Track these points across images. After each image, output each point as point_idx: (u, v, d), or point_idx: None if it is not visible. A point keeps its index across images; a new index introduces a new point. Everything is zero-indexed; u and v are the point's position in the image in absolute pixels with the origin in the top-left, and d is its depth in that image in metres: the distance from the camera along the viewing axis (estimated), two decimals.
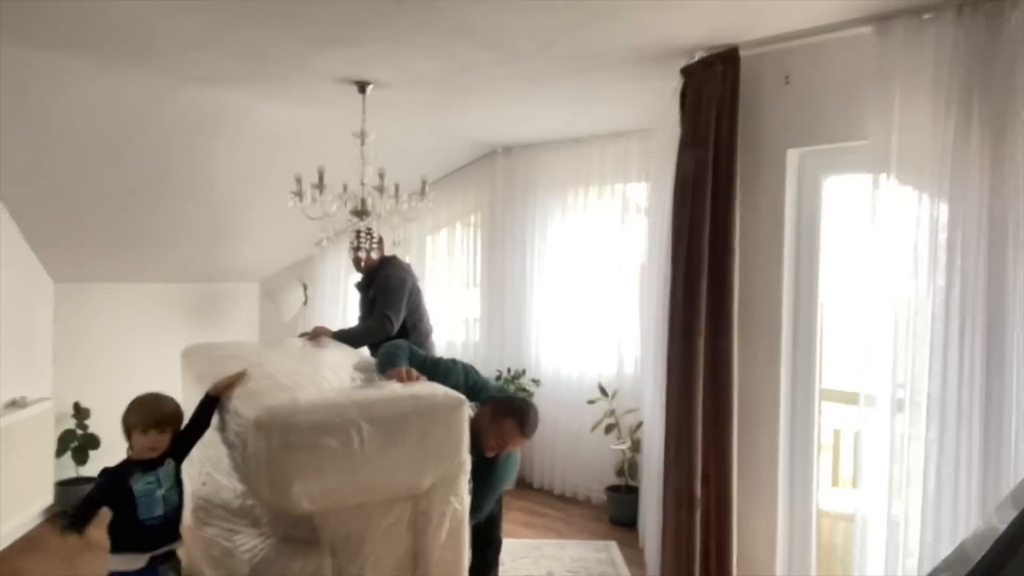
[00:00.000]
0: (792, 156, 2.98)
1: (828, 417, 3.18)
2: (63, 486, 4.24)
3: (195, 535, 2.60)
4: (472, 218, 5.73)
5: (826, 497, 3.21)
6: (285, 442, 2.12)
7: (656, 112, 3.96)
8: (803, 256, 3.01)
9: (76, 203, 4.04)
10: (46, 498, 4.17)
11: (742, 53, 2.93)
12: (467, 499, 2.44)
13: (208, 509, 2.53)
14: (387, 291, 3.95)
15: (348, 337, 3.75)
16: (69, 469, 4.33)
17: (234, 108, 3.92)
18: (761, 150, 3.00)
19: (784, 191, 2.96)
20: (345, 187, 3.67)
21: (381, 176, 3.64)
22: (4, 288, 3.97)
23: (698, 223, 2.96)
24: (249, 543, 2.24)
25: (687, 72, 3.08)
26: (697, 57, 3.04)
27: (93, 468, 3.99)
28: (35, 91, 3.30)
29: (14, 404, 4.02)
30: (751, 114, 2.97)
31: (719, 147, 2.93)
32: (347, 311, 5.82)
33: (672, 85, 3.32)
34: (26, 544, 3.92)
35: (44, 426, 4.16)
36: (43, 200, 3.94)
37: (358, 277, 4.21)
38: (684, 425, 2.97)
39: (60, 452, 4.30)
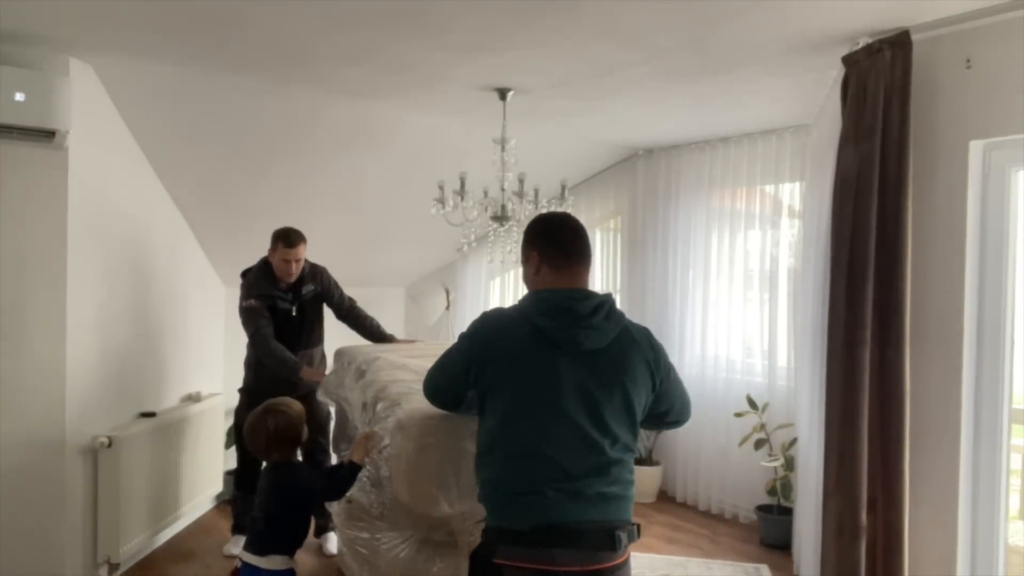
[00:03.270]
0: (975, 148, 2.66)
1: (1018, 440, 2.81)
2: (231, 476, 4.59)
3: (342, 531, 2.70)
4: (612, 223, 5.64)
5: (1016, 531, 2.84)
6: (424, 444, 2.15)
7: (813, 106, 3.71)
8: (989, 258, 2.67)
9: (243, 212, 4.39)
10: (216, 486, 4.53)
11: (914, 37, 2.65)
12: None
13: (353, 508, 2.62)
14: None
15: None
16: (236, 461, 4.68)
17: (383, 119, 4.08)
18: (938, 143, 2.70)
19: (966, 187, 2.65)
20: (486, 193, 3.71)
21: (521, 181, 3.65)
22: (185, 292, 4.38)
23: (862, 224, 2.71)
24: (392, 543, 2.29)
25: (850, 60, 2.84)
26: (861, 44, 2.79)
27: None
28: (208, 109, 3.61)
29: (190, 398, 4.41)
30: (926, 104, 2.69)
31: (888, 141, 2.67)
32: None
33: (831, 76, 3.08)
34: (198, 527, 4.28)
35: (215, 419, 4.52)
36: (215, 210, 4.31)
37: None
38: (847, 445, 2.72)
39: (229, 444, 4.66)
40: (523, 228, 3.70)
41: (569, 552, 1.68)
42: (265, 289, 3.74)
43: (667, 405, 1.93)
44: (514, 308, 1.86)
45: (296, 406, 2.56)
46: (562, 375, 1.74)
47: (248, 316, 3.72)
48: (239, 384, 4.08)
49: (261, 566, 2.37)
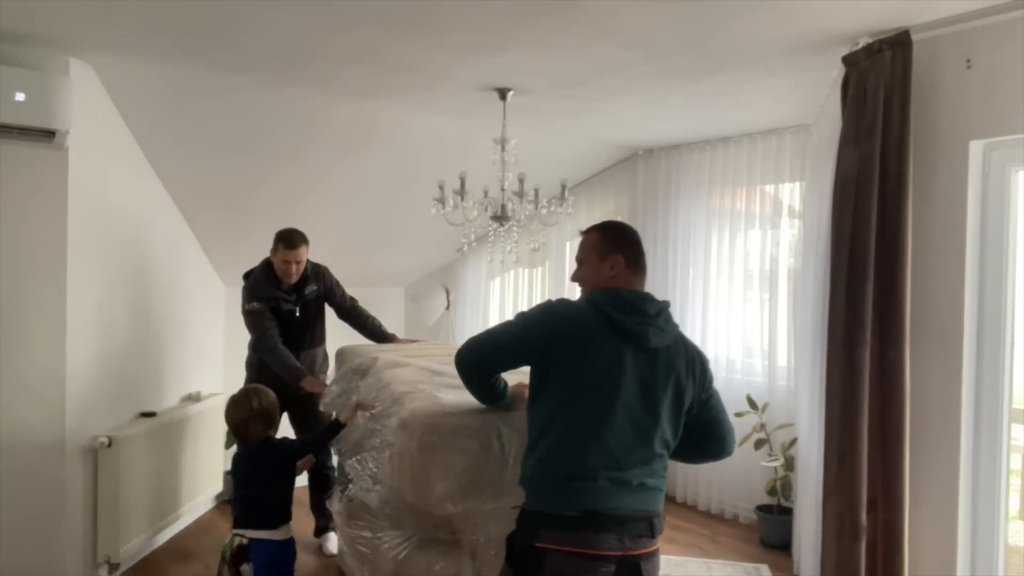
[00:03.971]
0: (975, 148, 2.66)
1: (1017, 440, 2.81)
2: (231, 475, 4.59)
3: (343, 531, 2.70)
4: None
5: (1016, 531, 2.84)
6: (427, 442, 2.15)
7: (813, 106, 3.72)
8: (989, 259, 2.67)
9: (244, 213, 4.39)
10: (216, 486, 4.53)
11: (914, 37, 2.65)
12: None
13: (354, 507, 2.62)
14: None
15: None
16: None
17: (383, 120, 4.08)
18: (938, 143, 2.70)
19: (966, 187, 2.65)
20: (486, 193, 3.71)
21: (521, 181, 3.65)
22: (185, 292, 4.38)
23: (862, 224, 2.71)
24: (393, 542, 2.29)
25: (850, 60, 2.84)
26: (861, 44, 2.80)
27: None
28: (208, 109, 3.61)
29: (190, 398, 4.41)
30: (926, 104, 2.69)
31: (888, 141, 2.67)
32: (487, 315, 5.91)
33: (831, 76, 3.09)
34: (198, 527, 4.28)
35: (215, 419, 4.51)
36: (215, 210, 4.31)
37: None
38: (847, 445, 2.72)
39: (229, 444, 4.65)
40: (524, 228, 3.74)
41: (612, 537, 1.76)
42: (267, 291, 3.74)
43: (714, 424, 2.03)
44: (584, 300, 1.98)
45: (273, 394, 2.83)
46: (628, 366, 1.85)
47: (253, 320, 3.72)
48: (240, 384, 4.07)
49: (275, 538, 2.62)
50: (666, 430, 1.90)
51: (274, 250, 3.71)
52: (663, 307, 1.97)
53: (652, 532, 1.83)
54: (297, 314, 3.85)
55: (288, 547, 2.67)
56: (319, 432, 2.74)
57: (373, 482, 2.47)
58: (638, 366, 1.86)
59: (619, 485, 1.80)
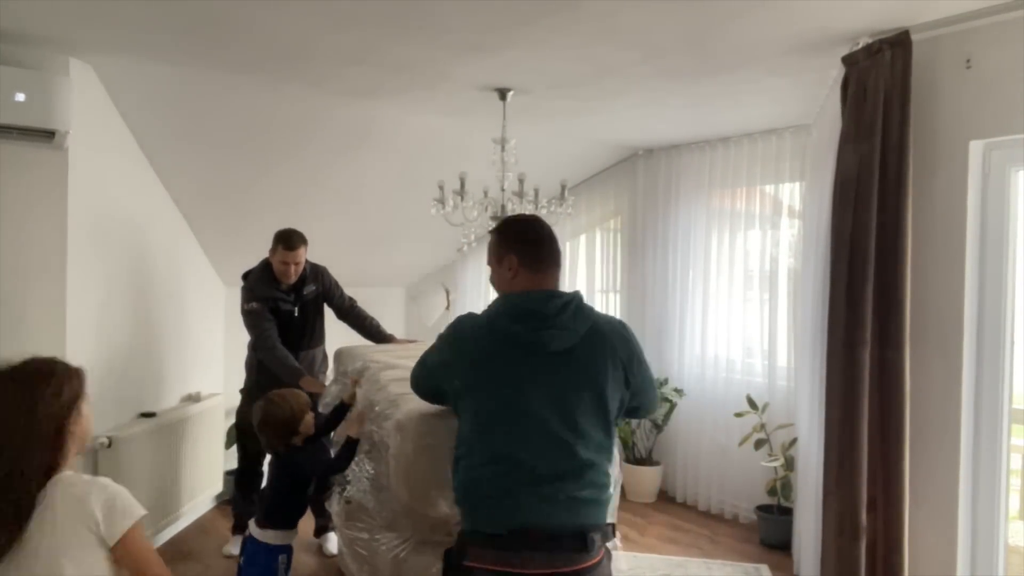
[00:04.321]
0: (975, 148, 2.66)
1: (1018, 440, 2.81)
2: (231, 476, 4.59)
3: (342, 532, 2.70)
4: (612, 223, 5.63)
5: (1016, 531, 2.84)
6: (423, 445, 2.15)
7: (813, 106, 3.71)
8: (989, 258, 2.67)
9: (243, 212, 4.38)
10: (216, 486, 4.53)
11: (914, 37, 2.65)
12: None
13: (352, 508, 2.62)
14: None
15: None
16: (236, 460, 4.67)
17: (383, 120, 4.08)
18: (938, 143, 2.70)
19: (966, 187, 2.65)
20: (486, 193, 3.71)
21: (521, 181, 3.65)
22: (185, 292, 4.38)
23: (862, 224, 2.71)
24: (391, 543, 2.29)
25: (849, 60, 2.84)
26: (861, 44, 2.79)
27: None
28: (208, 109, 3.61)
29: (190, 398, 4.40)
30: (925, 104, 2.69)
31: (888, 141, 2.67)
32: None
33: (831, 76, 3.08)
34: (198, 527, 4.28)
35: (215, 419, 4.52)
36: (215, 210, 4.31)
37: None
38: (847, 445, 2.72)
39: (229, 444, 4.65)
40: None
41: (539, 555, 1.68)
42: (266, 291, 3.74)
43: (638, 401, 1.91)
44: (484, 313, 1.85)
45: (300, 397, 2.75)
46: (531, 377, 1.74)
47: (252, 320, 3.72)
48: (239, 384, 4.08)
49: (266, 540, 2.62)
50: (593, 434, 1.76)
51: (273, 250, 3.71)
52: (569, 300, 1.82)
53: (586, 546, 1.70)
54: (296, 314, 3.85)
55: (275, 551, 2.64)
56: (339, 453, 2.69)
57: (371, 484, 2.46)
58: (546, 374, 1.74)
59: (544, 501, 1.70)
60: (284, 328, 3.77)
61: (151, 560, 1.58)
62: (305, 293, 3.88)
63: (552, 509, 1.70)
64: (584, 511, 1.73)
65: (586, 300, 1.89)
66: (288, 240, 3.67)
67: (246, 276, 3.87)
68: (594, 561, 1.72)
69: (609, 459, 1.81)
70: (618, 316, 5.49)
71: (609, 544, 1.81)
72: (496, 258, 1.92)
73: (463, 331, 1.86)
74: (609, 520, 1.85)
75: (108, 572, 1.54)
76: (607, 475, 1.79)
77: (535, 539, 1.68)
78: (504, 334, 1.77)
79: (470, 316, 1.92)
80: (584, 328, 1.80)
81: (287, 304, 3.81)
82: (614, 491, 2.12)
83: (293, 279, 3.77)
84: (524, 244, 1.89)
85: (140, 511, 1.59)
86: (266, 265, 3.79)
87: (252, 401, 3.56)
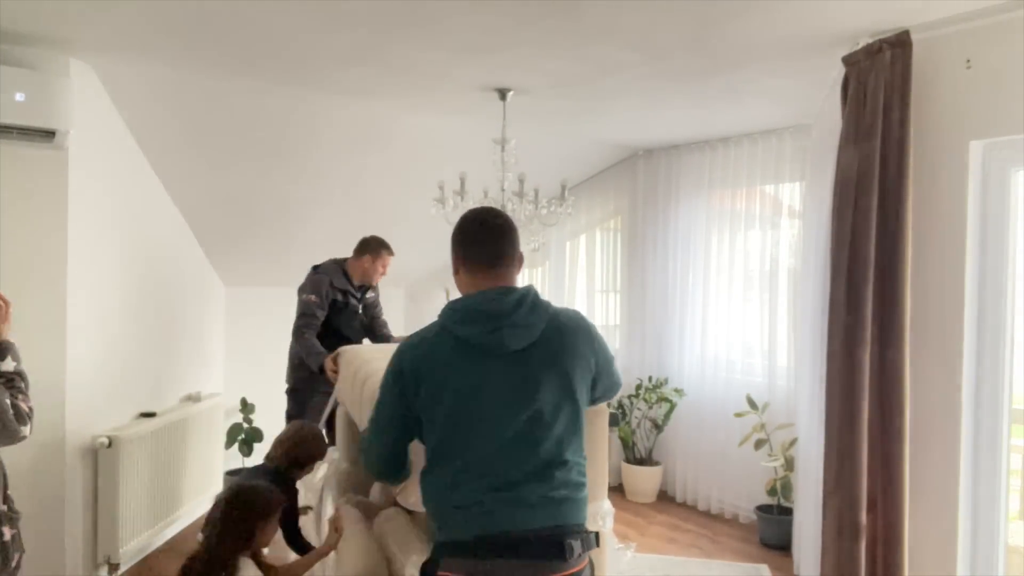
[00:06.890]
0: (975, 148, 2.66)
1: (1017, 440, 2.81)
2: (231, 476, 4.59)
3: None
4: (612, 223, 5.63)
5: (1016, 531, 2.84)
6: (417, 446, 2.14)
7: (813, 106, 3.71)
8: (989, 259, 2.67)
9: (244, 214, 4.38)
10: (216, 486, 4.53)
11: (914, 37, 2.65)
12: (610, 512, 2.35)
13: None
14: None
15: None
16: (236, 460, 4.68)
17: (383, 120, 4.08)
18: (938, 143, 2.70)
19: (966, 187, 2.65)
20: (486, 193, 3.71)
21: (521, 181, 3.65)
22: (185, 292, 4.38)
23: (862, 225, 2.71)
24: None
25: (850, 61, 2.84)
26: (861, 44, 2.80)
27: (257, 460, 4.28)
28: (208, 109, 3.61)
29: (190, 398, 4.40)
30: (926, 104, 2.69)
31: (888, 141, 2.67)
32: None
33: (831, 76, 3.08)
34: (198, 527, 4.26)
35: (215, 419, 4.52)
36: (215, 210, 4.31)
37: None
38: (847, 445, 2.72)
39: (229, 444, 4.66)
40: (523, 228, 3.72)
41: (510, 562, 1.60)
42: (342, 283, 4.05)
43: (603, 386, 1.84)
44: (433, 324, 1.77)
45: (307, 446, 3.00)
46: (491, 380, 1.66)
47: (304, 307, 3.98)
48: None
49: None
50: (560, 432, 1.68)
51: (374, 255, 4.06)
52: (524, 294, 1.71)
53: (563, 553, 1.61)
54: (359, 311, 4.19)
55: None
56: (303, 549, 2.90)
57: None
58: (505, 375, 1.66)
59: (512, 504, 1.62)
60: (348, 324, 4.07)
61: None
62: (367, 297, 4.22)
63: (524, 513, 1.63)
64: (558, 511, 1.66)
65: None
66: (390, 247, 4.08)
67: (316, 268, 4.10)
68: (575, 569, 1.64)
69: (582, 455, 1.75)
70: (618, 316, 5.54)
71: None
72: (452, 260, 1.83)
73: (413, 351, 1.75)
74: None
75: None
76: (582, 473, 1.73)
77: (505, 545, 1.61)
78: (459, 340, 1.69)
79: (416, 336, 1.80)
80: (543, 322, 1.70)
81: (355, 300, 4.13)
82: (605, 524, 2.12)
83: (377, 281, 4.17)
84: (470, 240, 1.79)
85: None
86: (341, 263, 4.11)
87: (297, 401, 4.03)
